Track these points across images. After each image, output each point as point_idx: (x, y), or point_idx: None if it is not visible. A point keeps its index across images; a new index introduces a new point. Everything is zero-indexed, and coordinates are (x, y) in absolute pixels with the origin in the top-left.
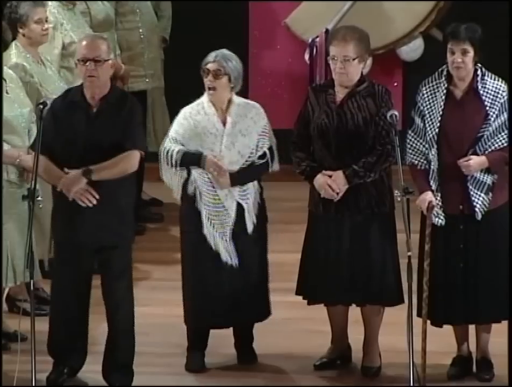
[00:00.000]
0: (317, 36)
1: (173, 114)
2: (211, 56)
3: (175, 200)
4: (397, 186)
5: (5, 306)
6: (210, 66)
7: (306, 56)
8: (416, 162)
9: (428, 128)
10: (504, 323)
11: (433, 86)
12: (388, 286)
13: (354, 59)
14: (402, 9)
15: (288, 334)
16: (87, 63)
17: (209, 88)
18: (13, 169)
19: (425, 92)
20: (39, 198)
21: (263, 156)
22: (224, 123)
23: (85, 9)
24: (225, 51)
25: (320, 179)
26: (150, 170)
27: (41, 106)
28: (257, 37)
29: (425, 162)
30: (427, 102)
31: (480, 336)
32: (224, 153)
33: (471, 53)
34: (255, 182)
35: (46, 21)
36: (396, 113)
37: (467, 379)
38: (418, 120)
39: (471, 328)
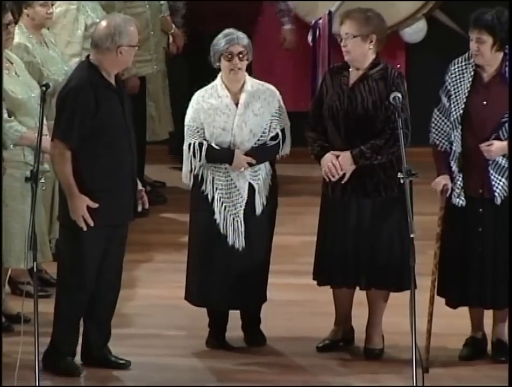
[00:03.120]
0: (320, 18)
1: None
2: (230, 38)
3: (178, 183)
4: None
5: (7, 288)
6: (233, 48)
7: (309, 38)
8: (438, 142)
9: (453, 109)
10: None
11: (461, 66)
12: (394, 271)
13: (354, 36)
14: None
15: (291, 316)
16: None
17: (233, 70)
18: (30, 150)
19: (453, 71)
20: (42, 180)
21: (275, 137)
22: (237, 104)
23: None
24: (237, 31)
25: (326, 158)
26: (152, 152)
27: (44, 88)
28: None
29: (447, 143)
30: (455, 82)
31: (497, 319)
32: (235, 132)
33: (488, 42)
34: (267, 163)
35: (52, 5)
36: (400, 95)
37: (477, 362)
38: (444, 100)
39: (488, 311)
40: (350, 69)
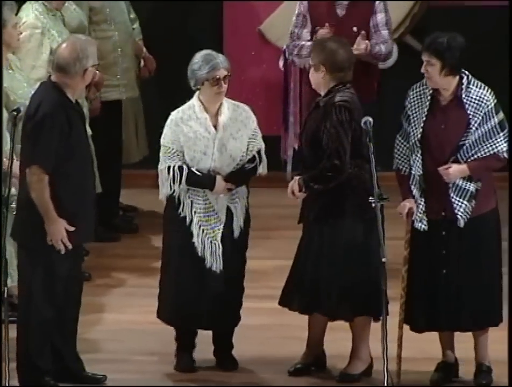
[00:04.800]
0: None
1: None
2: (215, 63)
3: (150, 207)
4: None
5: None
6: (219, 73)
7: (281, 63)
8: (401, 167)
9: (412, 133)
10: (503, 329)
11: (419, 91)
12: (371, 297)
13: (310, 66)
14: None
15: (263, 340)
16: None
17: (218, 94)
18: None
19: (412, 96)
20: (12, 205)
21: (252, 159)
22: (216, 127)
23: (60, 16)
24: (217, 54)
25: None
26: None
27: (15, 113)
28: (231, 43)
29: (409, 167)
30: (414, 107)
31: (477, 343)
32: (216, 156)
33: (436, 66)
34: (243, 186)
35: (20, 27)
36: (370, 119)
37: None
38: (405, 125)
39: (461, 335)
40: None
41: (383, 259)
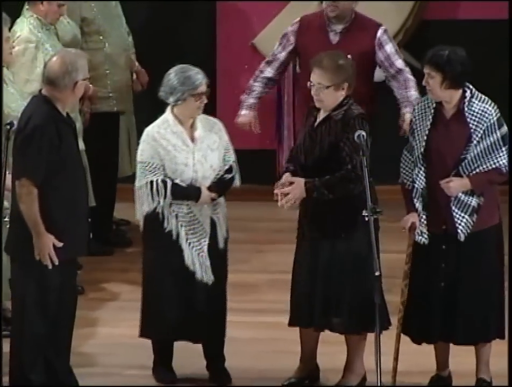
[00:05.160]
0: None
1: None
2: (200, 78)
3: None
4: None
5: None
6: (201, 89)
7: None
8: (405, 180)
9: (415, 147)
10: (504, 343)
11: (424, 104)
12: (363, 311)
13: (328, 87)
14: None
15: (256, 354)
16: None
17: (199, 109)
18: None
19: (417, 110)
20: (6, 219)
21: (229, 170)
22: (192, 139)
23: (54, 30)
24: (194, 68)
25: (281, 181)
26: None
27: (8, 126)
28: (224, 57)
29: (413, 180)
30: (418, 120)
31: (479, 356)
32: (197, 167)
33: (436, 78)
34: (223, 197)
35: (13, 41)
36: (364, 133)
37: None
38: (410, 138)
39: (455, 348)
40: (321, 110)
41: (377, 273)
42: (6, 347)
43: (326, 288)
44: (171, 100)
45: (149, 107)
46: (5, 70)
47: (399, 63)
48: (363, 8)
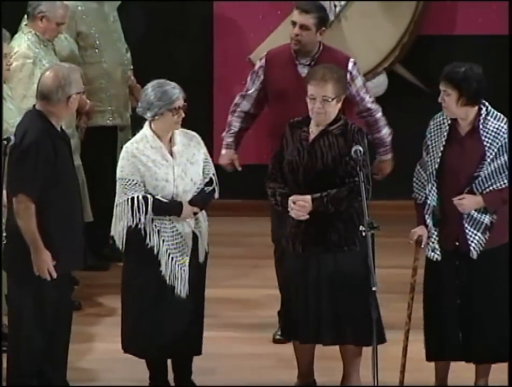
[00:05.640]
0: None
1: None
2: (177, 92)
3: None
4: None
5: None
6: (178, 104)
7: None
8: (417, 195)
9: (429, 163)
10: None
11: (439, 121)
12: (361, 325)
13: (332, 99)
14: (366, 46)
15: (254, 369)
16: None
17: (177, 123)
18: None
19: (432, 126)
20: (3, 236)
21: (209, 182)
22: (171, 154)
23: (51, 46)
24: (171, 83)
25: (290, 203)
26: None
27: (5, 142)
28: (221, 72)
29: (425, 196)
30: (433, 137)
31: (479, 373)
32: (177, 182)
33: (452, 95)
34: (204, 211)
35: (10, 57)
36: (361, 148)
37: None
38: (424, 154)
39: (457, 364)
40: (310, 124)
41: (374, 288)
42: (3, 362)
43: (333, 303)
44: (148, 115)
45: (144, 122)
46: (3, 86)
47: (368, 101)
48: (360, 24)
